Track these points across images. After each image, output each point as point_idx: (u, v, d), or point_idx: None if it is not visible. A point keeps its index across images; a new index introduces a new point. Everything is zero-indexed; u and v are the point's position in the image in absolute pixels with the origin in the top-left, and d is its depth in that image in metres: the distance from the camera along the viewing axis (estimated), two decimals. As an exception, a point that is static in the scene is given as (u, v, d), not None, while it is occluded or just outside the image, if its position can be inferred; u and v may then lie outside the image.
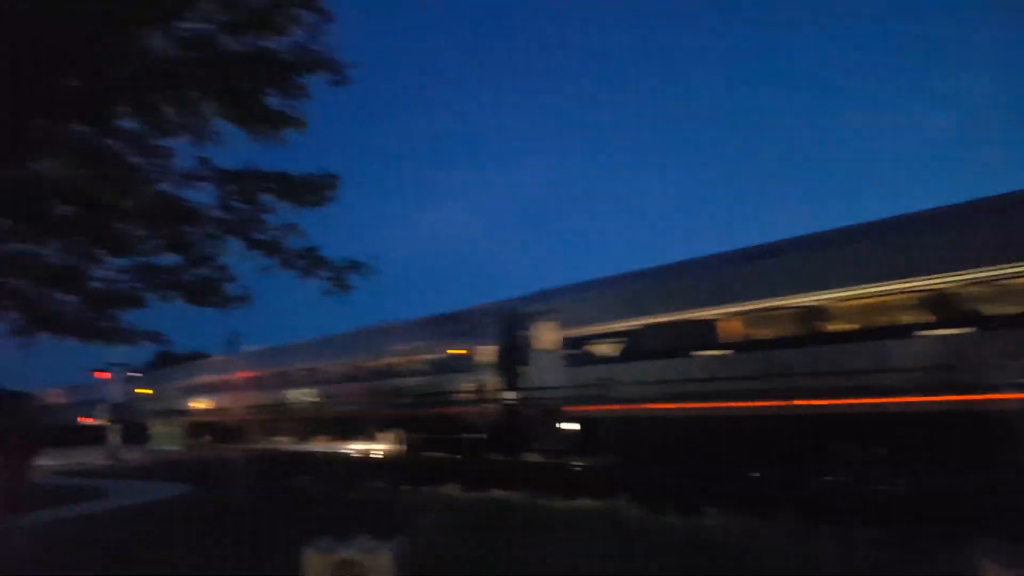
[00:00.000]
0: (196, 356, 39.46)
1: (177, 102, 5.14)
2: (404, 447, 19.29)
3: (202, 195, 6.47)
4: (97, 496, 16.83)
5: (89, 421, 31.56)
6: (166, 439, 25.49)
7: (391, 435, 19.93)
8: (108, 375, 27.12)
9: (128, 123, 5.94)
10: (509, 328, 15.61)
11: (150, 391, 28.28)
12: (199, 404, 29.82)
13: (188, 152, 6.32)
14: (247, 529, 11.12)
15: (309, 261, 6.79)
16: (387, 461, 18.77)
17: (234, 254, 6.69)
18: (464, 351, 17.19)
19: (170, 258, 7.39)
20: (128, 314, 7.73)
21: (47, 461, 21.33)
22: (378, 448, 20.32)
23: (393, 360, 20.57)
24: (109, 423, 26.18)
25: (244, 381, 28.45)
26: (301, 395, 24.41)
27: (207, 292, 7.57)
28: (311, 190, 6.65)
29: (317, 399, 23.51)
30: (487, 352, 16.26)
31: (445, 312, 19.29)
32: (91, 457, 23.36)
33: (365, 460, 19.40)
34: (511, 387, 15.47)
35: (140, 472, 21.49)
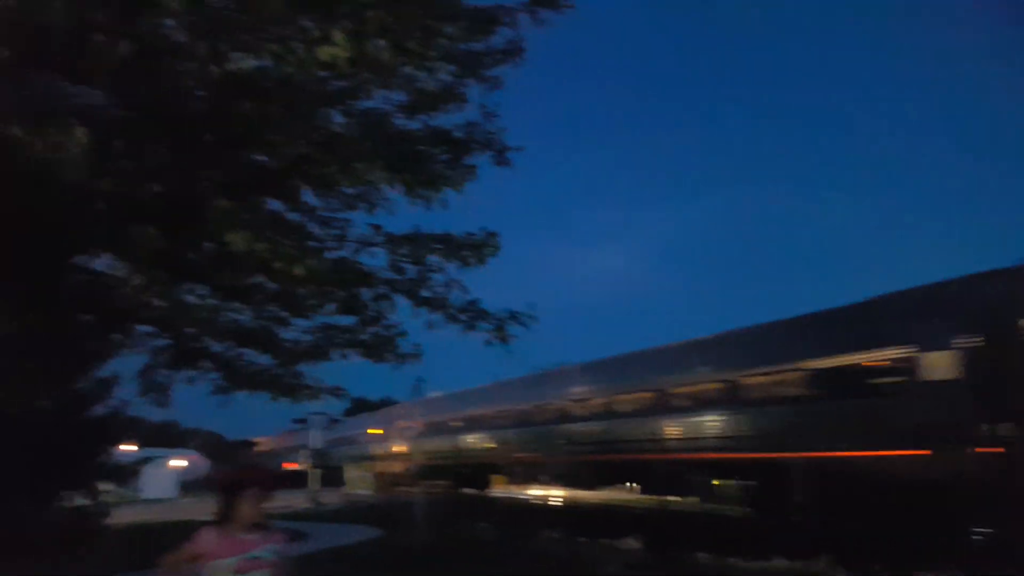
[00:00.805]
0: (386, 403, 41.91)
1: (353, 176, 5.41)
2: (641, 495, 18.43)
3: (373, 259, 6.79)
4: (300, 538, 18.10)
5: (293, 466, 34.44)
6: (360, 483, 27.13)
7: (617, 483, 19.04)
8: (307, 422, 29.60)
9: (308, 196, 6.42)
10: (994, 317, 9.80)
11: (380, 431, 29.73)
12: (387, 449, 31.49)
13: (359, 219, 6.67)
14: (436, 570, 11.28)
15: (471, 315, 6.86)
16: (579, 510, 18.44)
17: (403, 311, 6.91)
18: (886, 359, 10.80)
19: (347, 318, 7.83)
20: (317, 368, 8.22)
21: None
22: (559, 495, 20.04)
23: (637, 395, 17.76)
24: (310, 468, 28.39)
25: (428, 426, 29.67)
26: (490, 439, 24.73)
27: (382, 348, 7.91)
28: (474, 249, 6.76)
29: (507, 443, 23.64)
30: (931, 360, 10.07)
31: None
32: (294, 500, 25.39)
33: (552, 507, 19.21)
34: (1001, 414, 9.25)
35: (337, 515, 22.88)
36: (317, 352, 7.87)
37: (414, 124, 6.55)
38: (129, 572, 12.64)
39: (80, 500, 18.82)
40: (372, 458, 30.69)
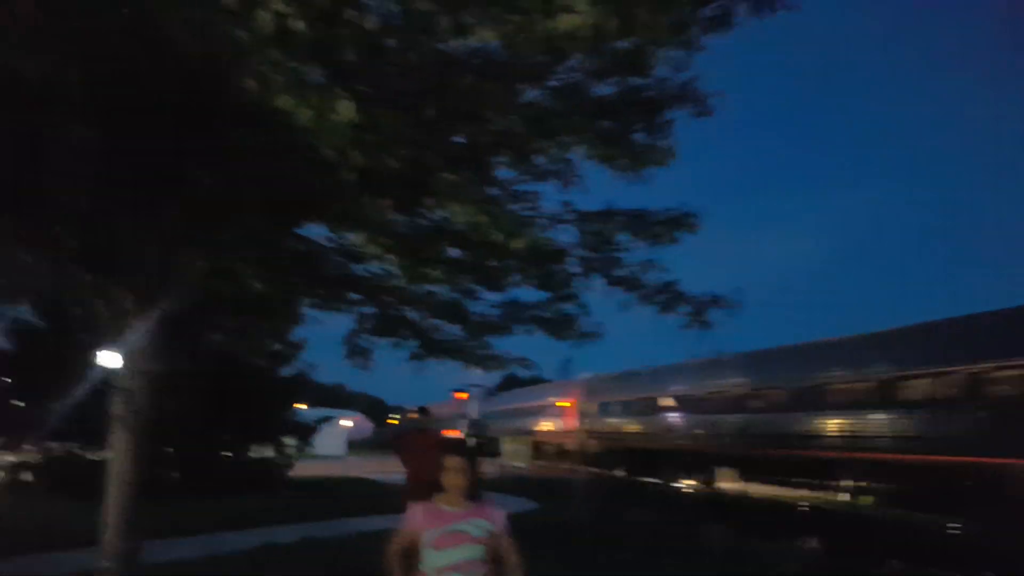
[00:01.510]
0: (535, 380, 42.56)
1: (548, 150, 5.40)
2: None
3: (565, 236, 6.77)
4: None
5: (455, 433, 35.94)
6: (515, 455, 27.80)
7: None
8: (467, 395, 30.62)
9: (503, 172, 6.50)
10: None
11: (568, 403, 30.28)
12: (541, 426, 31.98)
13: (552, 196, 6.67)
14: (596, 551, 11.31)
15: (668, 296, 6.67)
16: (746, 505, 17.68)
17: (595, 290, 6.85)
18: None
19: (534, 294, 7.92)
20: (499, 341, 8.41)
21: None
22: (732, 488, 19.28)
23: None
24: (467, 437, 29.50)
25: (583, 407, 29.69)
26: (656, 424, 24.30)
27: (565, 326, 7.95)
28: (668, 227, 6.55)
29: (674, 429, 23.14)
30: None
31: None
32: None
33: (720, 500, 18.61)
34: None
35: (492, 485, 23.58)
36: (502, 327, 8.05)
37: (606, 89, 6.41)
38: (312, 521, 13.82)
39: (267, 452, 20.71)
40: (530, 432, 31.34)
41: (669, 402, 23.50)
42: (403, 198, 4.61)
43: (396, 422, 51.29)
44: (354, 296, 7.24)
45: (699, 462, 21.38)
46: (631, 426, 25.62)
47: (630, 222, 6.65)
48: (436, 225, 5.51)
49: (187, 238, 5.19)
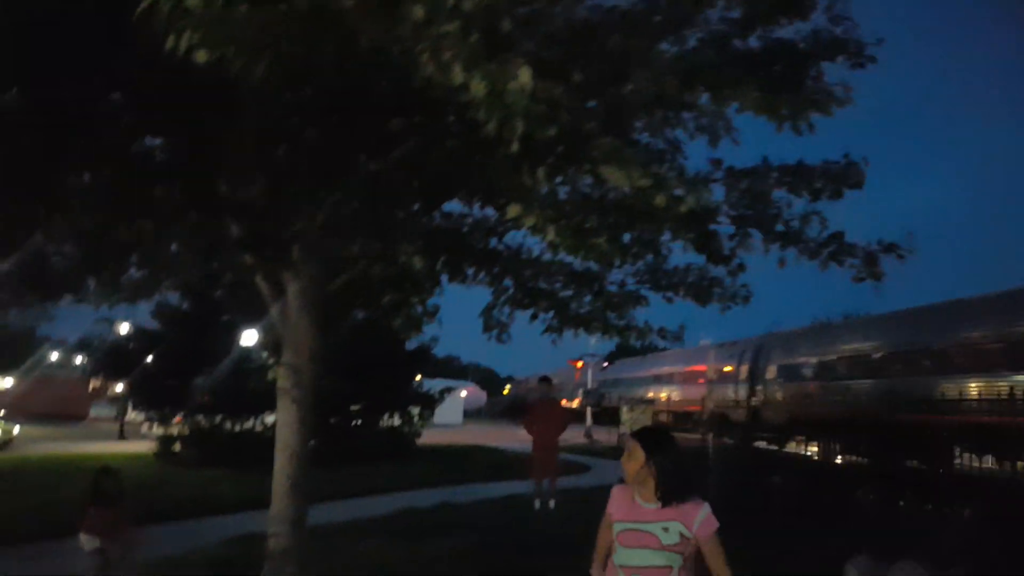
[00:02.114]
0: (648, 349, 42.05)
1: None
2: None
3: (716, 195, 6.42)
4: (585, 471, 18.87)
5: (574, 403, 36.16)
6: (634, 423, 27.56)
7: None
8: (581, 363, 30.65)
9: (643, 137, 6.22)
10: None
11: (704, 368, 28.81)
12: (660, 393, 31.56)
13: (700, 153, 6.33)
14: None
15: (834, 248, 6.20)
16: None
17: (752, 249, 6.48)
18: None
19: (676, 260, 7.62)
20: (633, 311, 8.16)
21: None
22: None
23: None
24: (583, 405, 29.56)
25: (691, 374, 28.98)
26: (781, 390, 23.29)
27: (710, 291, 7.62)
28: (832, 182, 6.08)
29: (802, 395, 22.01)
30: None
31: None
32: (570, 436, 26.67)
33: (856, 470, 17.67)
34: None
35: (611, 452, 23.55)
36: (635, 298, 7.81)
37: (753, 42, 6.02)
38: (441, 486, 14.23)
39: (394, 422, 21.45)
40: (646, 401, 31.05)
41: (791, 367, 22.57)
42: (559, 166, 4.44)
43: (507, 392, 52.30)
44: (494, 270, 7.19)
45: (830, 430, 20.32)
46: (750, 393, 24.76)
47: (787, 177, 6.24)
48: (600, 194, 5.33)
49: (353, 224, 5.28)
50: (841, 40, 5.88)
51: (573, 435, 25.74)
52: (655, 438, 3.16)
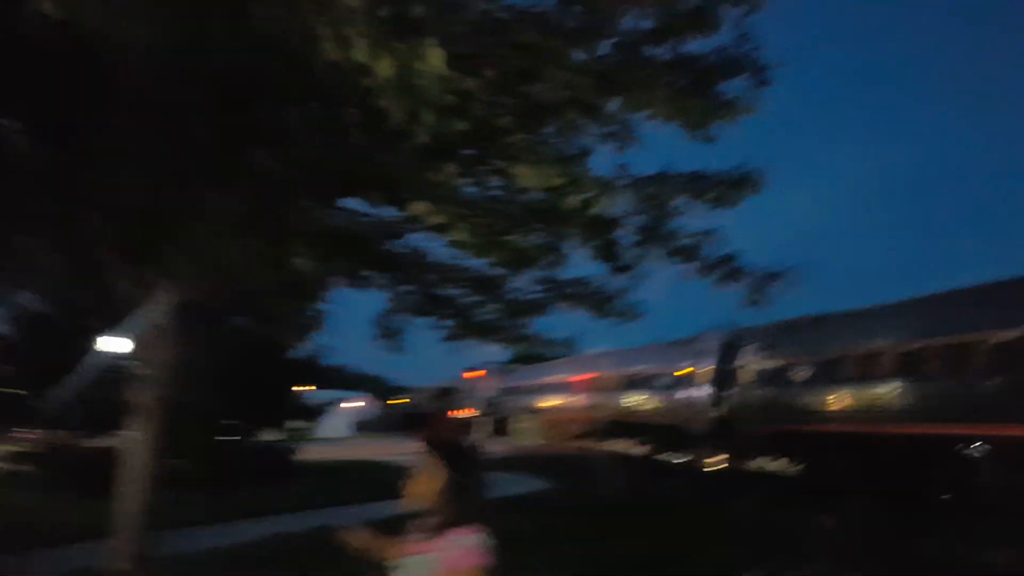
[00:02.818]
0: (541, 357, 42.33)
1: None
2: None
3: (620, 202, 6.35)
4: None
5: (468, 412, 35.66)
6: (526, 434, 27.57)
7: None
8: (479, 373, 30.32)
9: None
10: None
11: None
12: (549, 402, 31.72)
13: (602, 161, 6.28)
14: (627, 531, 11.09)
15: (728, 269, 6.28)
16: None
17: (651, 261, 6.46)
18: None
19: (573, 271, 7.54)
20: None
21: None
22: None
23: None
24: (481, 416, 29.24)
25: (585, 383, 29.38)
26: (666, 399, 23.82)
27: (608, 303, 7.58)
28: (731, 189, 6.15)
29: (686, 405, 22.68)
30: None
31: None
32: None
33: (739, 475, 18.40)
34: None
35: (504, 464, 23.43)
36: (542, 305, 7.68)
37: (662, 53, 6.06)
38: (321, 508, 13.52)
39: (271, 437, 20.31)
40: (537, 410, 31.14)
41: (677, 377, 23.49)
42: (470, 163, 4.20)
43: (404, 401, 51.22)
44: (395, 274, 6.82)
45: (714, 437, 21.10)
46: (636, 401, 25.45)
47: (689, 184, 6.28)
48: (511, 196, 5.12)
49: (242, 224, 4.79)
50: (744, 59, 5.99)
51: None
52: (459, 451, 2.65)
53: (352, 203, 6.50)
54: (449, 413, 12.70)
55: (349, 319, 8.69)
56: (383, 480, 17.78)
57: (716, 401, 20.21)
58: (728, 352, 20.33)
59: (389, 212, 6.18)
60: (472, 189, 5.10)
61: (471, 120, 3.68)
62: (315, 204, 5.08)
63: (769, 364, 18.55)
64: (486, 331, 7.68)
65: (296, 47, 3.54)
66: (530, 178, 4.06)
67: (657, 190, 6.45)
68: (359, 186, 5.09)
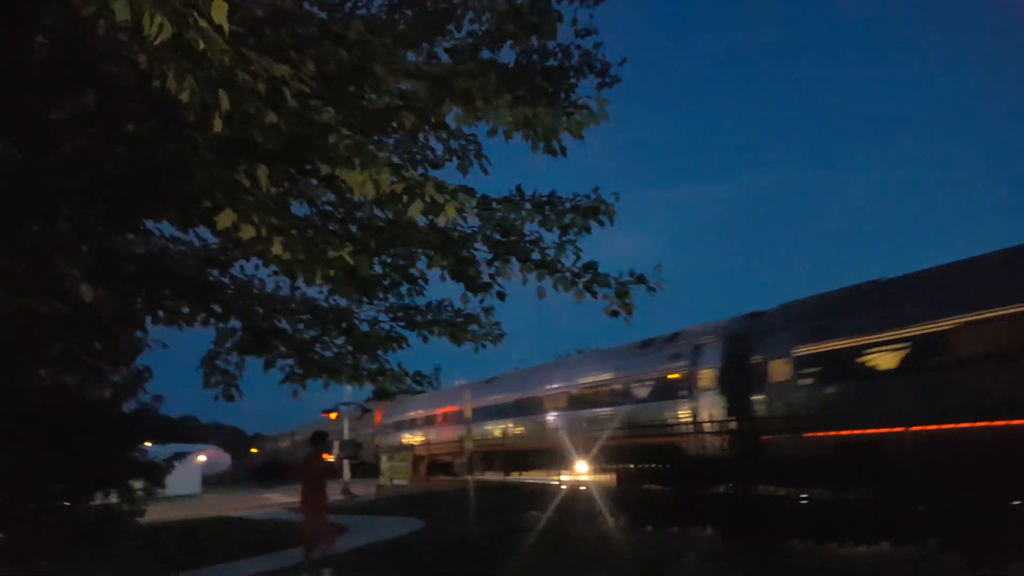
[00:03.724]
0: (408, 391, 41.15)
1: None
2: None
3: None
4: (340, 532, 17.30)
5: (326, 457, 33.66)
6: (394, 472, 26.29)
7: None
8: (336, 415, 28.78)
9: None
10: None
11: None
12: (415, 438, 30.72)
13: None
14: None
15: (589, 279, 5.96)
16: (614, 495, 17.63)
17: (509, 276, 6.04)
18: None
19: (426, 298, 7.02)
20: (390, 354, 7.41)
21: (288, 499, 22.77)
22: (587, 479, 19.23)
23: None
24: (342, 459, 27.73)
25: (450, 415, 28.84)
26: (526, 424, 24.01)
27: (465, 329, 7.11)
28: (584, 215, 5.88)
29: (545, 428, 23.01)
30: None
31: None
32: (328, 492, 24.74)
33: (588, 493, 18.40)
34: None
35: (372, 507, 22.17)
36: (389, 339, 7.07)
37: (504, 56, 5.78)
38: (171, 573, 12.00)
39: (111, 498, 18.05)
40: (403, 448, 30.02)
41: (534, 403, 23.95)
42: (287, 165, 3.58)
43: (255, 452, 47.95)
44: (215, 308, 5.92)
45: (576, 457, 21.37)
46: (499, 429, 25.58)
47: (539, 209, 5.95)
48: (344, 213, 4.50)
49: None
50: (588, 59, 5.84)
51: (331, 491, 23.92)
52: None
53: (166, 228, 5.65)
54: (313, 458, 11.76)
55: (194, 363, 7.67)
56: (235, 537, 16.26)
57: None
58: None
59: (204, 236, 5.39)
60: (301, 207, 4.45)
61: (286, 115, 3.08)
62: (95, 217, 4.20)
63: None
64: (330, 369, 6.92)
65: (60, 29, 2.80)
66: (361, 184, 3.48)
67: (506, 212, 6.08)
68: (151, 194, 4.24)
